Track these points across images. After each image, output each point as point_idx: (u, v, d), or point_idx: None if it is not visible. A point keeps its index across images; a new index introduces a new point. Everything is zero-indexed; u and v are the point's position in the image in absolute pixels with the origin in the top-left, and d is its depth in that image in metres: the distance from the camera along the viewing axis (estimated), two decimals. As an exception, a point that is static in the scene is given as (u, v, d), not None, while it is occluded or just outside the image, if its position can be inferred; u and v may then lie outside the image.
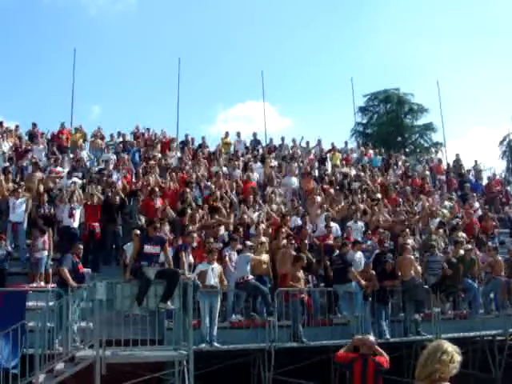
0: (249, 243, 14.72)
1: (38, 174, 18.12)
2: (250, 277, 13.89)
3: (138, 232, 14.13)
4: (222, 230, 16.12)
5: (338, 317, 14.53)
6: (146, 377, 11.70)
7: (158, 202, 16.96)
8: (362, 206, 18.77)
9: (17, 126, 23.35)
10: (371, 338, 9.07)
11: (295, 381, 13.77)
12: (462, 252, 16.71)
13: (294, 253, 14.75)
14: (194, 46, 63.76)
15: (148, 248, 11.46)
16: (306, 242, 15.72)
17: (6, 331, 10.36)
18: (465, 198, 23.06)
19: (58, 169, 19.37)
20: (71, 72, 30.41)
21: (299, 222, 17.32)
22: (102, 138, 24.19)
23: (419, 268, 15.77)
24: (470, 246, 17.04)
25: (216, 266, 13.46)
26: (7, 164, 19.22)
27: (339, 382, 14.53)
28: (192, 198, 17.89)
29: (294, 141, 27.01)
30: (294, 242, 15.35)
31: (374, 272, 14.91)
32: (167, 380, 12.20)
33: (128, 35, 66.80)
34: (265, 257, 14.88)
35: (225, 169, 21.79)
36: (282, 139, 27.32)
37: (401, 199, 20.56)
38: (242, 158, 23.84)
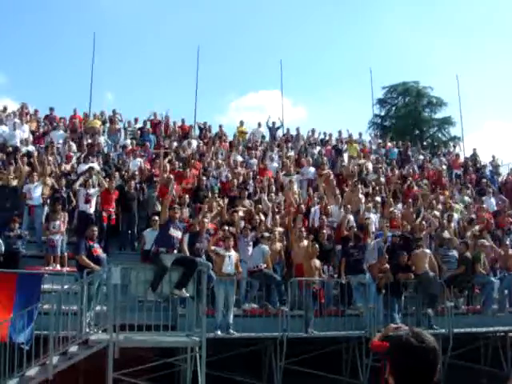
0: (266, 234, 14.75)
1: (52, 158, 18.19)
2: (264, 266, 13.94)
3: (157, 218, 14.22)
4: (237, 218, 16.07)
5: (351, 308, 14.52)
6: (159, 362, 11.82)
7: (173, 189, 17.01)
8: (378, 199, 18.70)
9: (36, 111, 23.48)
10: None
11: (306, 370, 13.81)
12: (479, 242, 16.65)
13: (305, 243, 14.80)
14: (210, 35, 63.41)
15: (173, 231, 11.57)
16: (325, 232, 15.75)
17: (20, 313, 10.48)
18: (481, 194, 22.91)
19: (72, 154, 19.48)
20: (89, 58, 30.22)
21: (317, 212, 17.30)
22: (119, 121, 24.23)
23: (435, 262, 15.67)
24: (485, 242, 16.90)
25: (233, 254, 13.51)
26: (26, 148, 19.31)
27: (350, 372, 14.60)
28: (208, 185, 17.99)
29: (313, 131, 27.01)
30: (305, 230, 15.41)
31: (388, 265, 14.90)
32: (179, 366, 12.31)
33: (143, 23, 66.56)
34: (278, 246, 14.94)
35: (240, 157, 21.87)
36: (298, 130, 27.27)
37: (419, 193, 20.41)
38: (260, 147, 23.93)
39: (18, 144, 19.67)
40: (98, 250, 12.68)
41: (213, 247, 13.72)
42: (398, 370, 2.98)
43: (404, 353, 2.96)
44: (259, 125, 27.04)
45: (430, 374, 2.93)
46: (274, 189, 18.58)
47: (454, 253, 16.19)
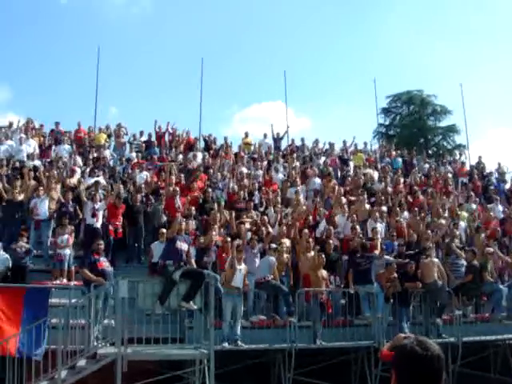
0: (273, 246, 14.75)
1: (57, 173, 18.20)
2: (271, 277, 13.92)
3: (164, 231, 14.23)
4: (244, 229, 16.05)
5: (359, 318, 14.48)
6: (167, 375, 11.80)
7: (179, 202, 17.06)
8: (384, 208, 18.67)
9: (41, 126, 23.59)
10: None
11: (315, 381, 13.77)
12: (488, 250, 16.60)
13: (312, 253, 14.76)
14: (213, 47, 63.52)
15: (179, 244, 11.60)
16: (331, 242, 15.72)
17: (29, 327, 10.49)
18: (488, 201, 22.86)
19: (77, 168, 19.54)
20: (93, 72, 30.28)
21: (324, 222, 17.27)
22: (124, 135, 24.34)
23: (444, 271, 15.60)
24: (491, 250, 16.87)
25: (243, 267, 13.49)
26: (32, 163, 19.37)
27: (359, 383, 14.53)
28: (214, 197, 18.02)
29: (317, 141, 26.99)
30: (312, 241, 15.40)
31: (395, 274, 14.86)
32: (187, 378, 12.28)
33: (145, 37, 66.85)
34: (285, 257, 14.91)
35: (246, 169, 21.88)
36: (302, 140, 27.27)
37: (425, 201, 20.38)
38: (265, 159, 23.95)
39: (25, 159, 19.76)
40: (104, 264, 12.69)
41: (230, 259, 13.61)
42: (403, 379, 2.98)
43: (409, 361, 2.95)
44: (265, 136, 27.06)
45: (435, 382, 2.92)
46: (279, 200, 18.56)
47: (463, 261, 16.16)
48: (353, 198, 19.25)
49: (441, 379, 2.93)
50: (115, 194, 16.49)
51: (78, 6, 63.97)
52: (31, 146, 20.76)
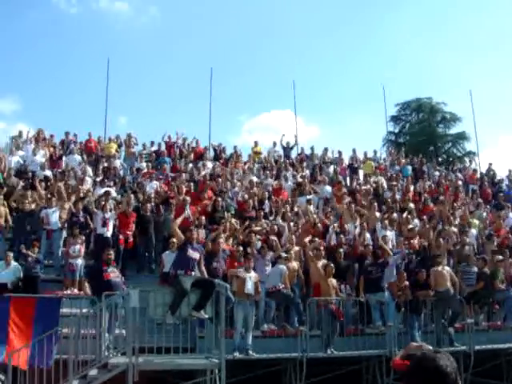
0: (284, 255, 14.71)
1: (68, 183, 18.26)
2: (282, 286, 13.89)
3: (175, 240, 14.24)
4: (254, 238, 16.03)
5: (370, 327, 14.41)
6: (178, 384, 11.78)
7: (189, 211, 17.05)
8: (394, 216, 18.61)
9: (51, 136, 23.70)
10: (429, 346, 8.99)
11: (327, 391, 13.72)
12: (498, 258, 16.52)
13: (322, 262, 14.70)
14: (222, 57, 63.70)
15: (191, 252, 11.59)
16: (341, 250, 15.69)
17: (40, 338, 10.50)
18: (499, 208, 22.74)
19: (88, 178, 19.62)
20: (103, 83, 30.56)
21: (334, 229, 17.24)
22: (134, 144, 24.42)
23: (456, 279, 15.51)
24: (500, 257, 16.77)
25: (253, 275, 13.47)
26: (43, 173, 19.45)
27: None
28: (224, 206, 18.01)
29: (326, 150, 26.97)
30: (322, 249, 15.33)
31: (407, 282, 14.80)
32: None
33: (155, 46, 66.98)
34: (295, 265, 14.87)
35: (256, 178, 21.90)
36: (312, 149, 27.27)
37: (435, 209, 20.30)
38: (275, 167, 23.98)
39: (38, 169, 19.85)
40: (111, 275, 12.59)
41: (234, 270, 13.66)
42: None
43: (421, 374, 2.93)
44: (274, 144, 27.11)
45: None
46: (289, 209, 18.53)
47: (474, 269, 16.09)
48: (365, 211, 19.04)
49: None
50: (125, 204, 16.52)
51: (87, 17, 64.30)
52: (42, 156, 20.87)
